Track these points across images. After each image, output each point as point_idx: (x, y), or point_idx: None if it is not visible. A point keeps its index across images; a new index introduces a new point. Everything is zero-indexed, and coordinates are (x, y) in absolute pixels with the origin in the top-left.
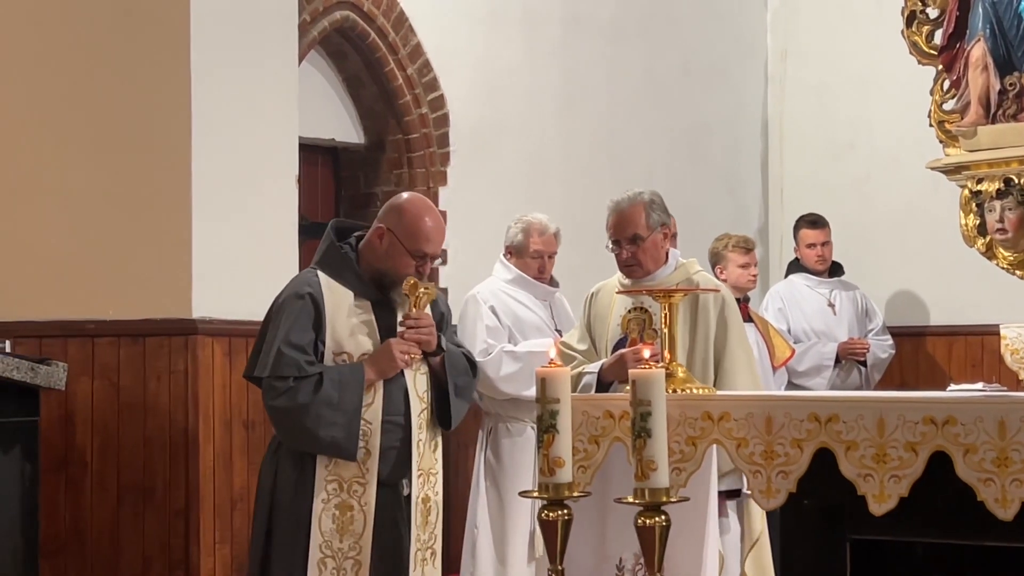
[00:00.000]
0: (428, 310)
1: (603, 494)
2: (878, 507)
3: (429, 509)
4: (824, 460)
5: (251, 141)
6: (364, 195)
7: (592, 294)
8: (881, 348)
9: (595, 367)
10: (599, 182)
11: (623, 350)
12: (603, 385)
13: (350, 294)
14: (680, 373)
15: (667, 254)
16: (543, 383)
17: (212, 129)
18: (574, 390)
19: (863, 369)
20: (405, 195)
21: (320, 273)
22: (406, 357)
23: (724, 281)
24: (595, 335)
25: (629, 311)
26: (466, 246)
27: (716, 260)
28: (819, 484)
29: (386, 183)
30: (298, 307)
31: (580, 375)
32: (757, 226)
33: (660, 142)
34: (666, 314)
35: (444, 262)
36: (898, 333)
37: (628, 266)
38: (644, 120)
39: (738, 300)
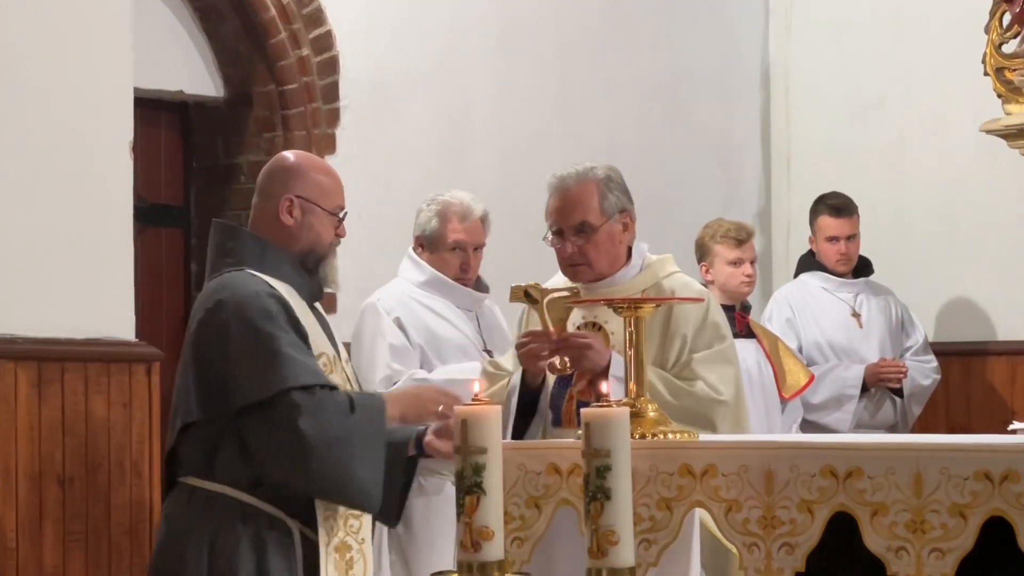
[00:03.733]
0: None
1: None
2: None
3: (351, 561)
4: (842, 529)
5: (68, 96)
6: (224, 167)
7: None
8: (922, 372)
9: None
10: (544, 150)
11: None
12: (528, 386)
13: (293, 291)
14: (651, 412)
15: (629, 250)
16: (464, 426)
17: (13, 81)
18: (505, 409)
19: (898, 400)
20: (287, 154)
21: (259, 274)
22: (447, 412)
23: (711, 283)
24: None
25: (577, 327)
26: (362, 236)
27: (701, 255)
28: (836, 561)
29: (254, 151)
30: (272, 307)
31: (508, 382)
32: (756, 208)
33: (627, 96)
34: (631, 332)
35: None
36: (944, 352)
37: (573, 265)
38: (605, 67)
39: (732, 309)
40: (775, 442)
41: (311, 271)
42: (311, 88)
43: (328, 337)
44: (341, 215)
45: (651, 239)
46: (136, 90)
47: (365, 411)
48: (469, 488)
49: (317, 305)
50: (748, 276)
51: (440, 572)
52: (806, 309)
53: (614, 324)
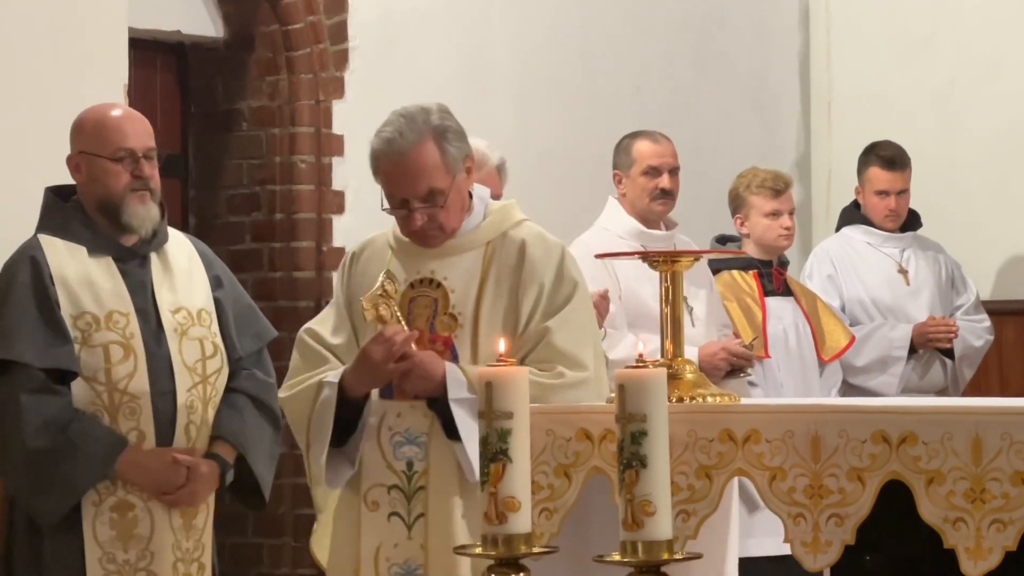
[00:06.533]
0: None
1: (577, 549)
2: (973, 565)
3: (194, 511)
4: (895, 498)
5: (59, 37)
6: (224, 113)
7: (353, 256)
8: (974, 332)
9: (338, 373)
10: (565, 95)
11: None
12: (349, 401)
13: (82, 249)
14: (688, 373)
15: (470, 196)
16: (488, 389)
17: None
18: (310, 411)
19: (949, 363)
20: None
21: (41, 236)
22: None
23: (746, 236)
24: (359, 324)
25: (411, 284)
26: (372, 187)
27: (735, 206)
28: (888, 533)
29: (256, 95)
30: (18, 273)
31: (319, 387)
32: (794, 157)
33: (655, 37)
34: (667, 287)
35: (154, 160)
36: (998, 311)
37: (426, 235)
38: (632, 4)
39: (768, 264)
40: (822, 405)
41: (120, 224)
42: (317, 28)
43: (136, 292)
44: (124, 159)
45: (681, 190)
46: (130, 30)
47: (83, 439)
48: (494, 455)
49: (161, 256)
50: (787, 229)
51: (462, 546)
52: (849, 265)
53: (455, 279)
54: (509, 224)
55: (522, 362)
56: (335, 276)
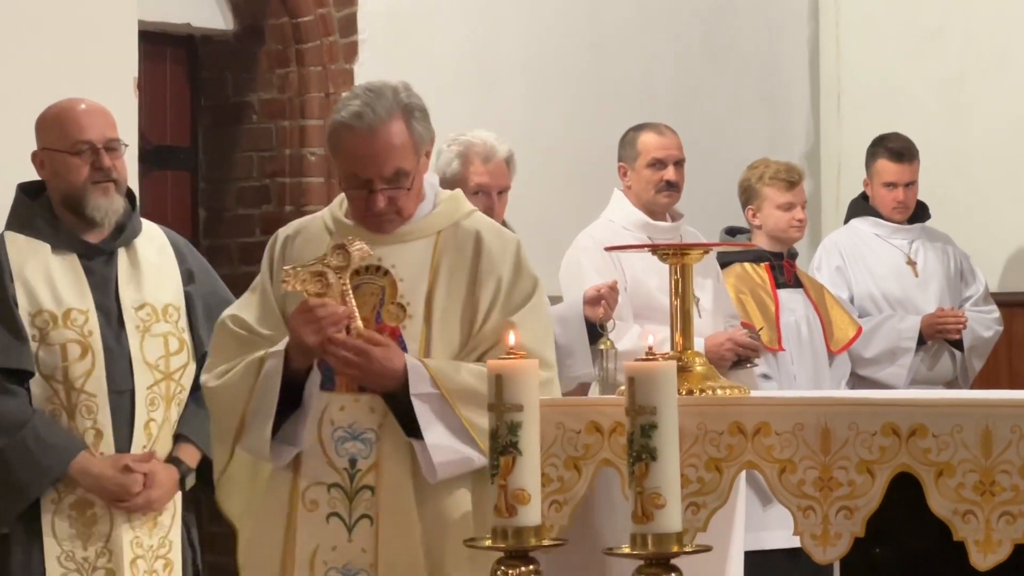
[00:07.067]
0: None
1: (587, 542)
2: (983, 558)
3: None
4: (905, 491)
5: (68, 29)
6: (234, 105)
7: (287, 238)
8: (983, 323)
9: (283, 343)
10: (575, 86)
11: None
12: (293, 373)
13: (45, 246)
14: (698, 366)
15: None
16: (498, 382)
17: (11, 14)
18: (251, 387)
19: (958, 354)
20: None
21: (6, 233)
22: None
23: (758, 228)
24: (290, 310)
25: (355, 271)
26: None
27: (747, 198)
28: (898, 525)
29: (266, 87)
30: None
31: (261, 361)
32: (804, 149)
33: (664, 28)
34: (677, 279)
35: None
36: (1007, 302)
37: (382, 219)
38: None
39: (780, 256)
40: (832, 398)
41: (80, 216)
42: (327, 20)
43: (99, 289)
44: (83, 152)
45: (690, 181)
46: (140, 23)
47: (37, 443)
48: (504, 448)
49: (130, 251)
50: (800, 221)
51: (471, 538)
52: (857, 257)
53: (403, 267)
54: (461, 214)
55: (481, 358)
56: (264, 261)
